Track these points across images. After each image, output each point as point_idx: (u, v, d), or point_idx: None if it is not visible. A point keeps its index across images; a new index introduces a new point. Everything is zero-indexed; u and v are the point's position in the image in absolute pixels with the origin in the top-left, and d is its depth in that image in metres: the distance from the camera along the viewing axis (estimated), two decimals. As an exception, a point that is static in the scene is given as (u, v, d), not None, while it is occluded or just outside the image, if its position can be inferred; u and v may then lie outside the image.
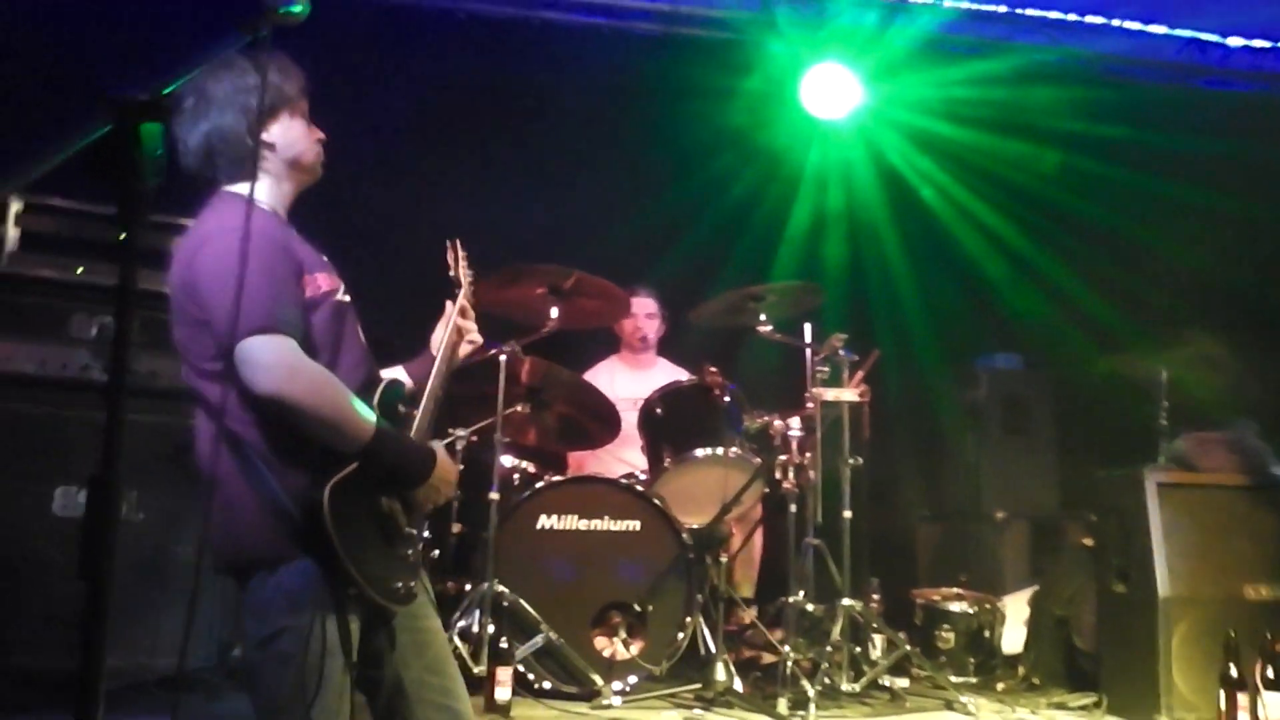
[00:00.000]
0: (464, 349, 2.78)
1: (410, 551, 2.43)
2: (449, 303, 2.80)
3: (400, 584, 2.37)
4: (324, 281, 2.43)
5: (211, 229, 2.36)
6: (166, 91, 1.34)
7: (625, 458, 5.11)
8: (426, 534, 4.73)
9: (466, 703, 2.55)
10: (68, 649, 3.36)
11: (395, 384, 2.50)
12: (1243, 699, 3.81)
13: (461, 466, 4.50)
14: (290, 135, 2.48)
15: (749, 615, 4.74)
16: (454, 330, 2.75)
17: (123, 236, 1.36)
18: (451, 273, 2.93)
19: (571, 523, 4.19)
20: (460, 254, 2.96)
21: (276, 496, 2.28)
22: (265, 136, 2.44)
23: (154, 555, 3.71)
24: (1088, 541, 4.77)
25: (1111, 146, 6.32)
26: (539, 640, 3.95)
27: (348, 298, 2.49)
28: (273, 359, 2.22)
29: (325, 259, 2.51)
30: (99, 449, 1.44)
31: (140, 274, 1.46)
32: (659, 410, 4.61)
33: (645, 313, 5.47)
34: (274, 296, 2.27)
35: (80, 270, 3.82)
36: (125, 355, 1.39)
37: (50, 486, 3.71)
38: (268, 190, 2.48)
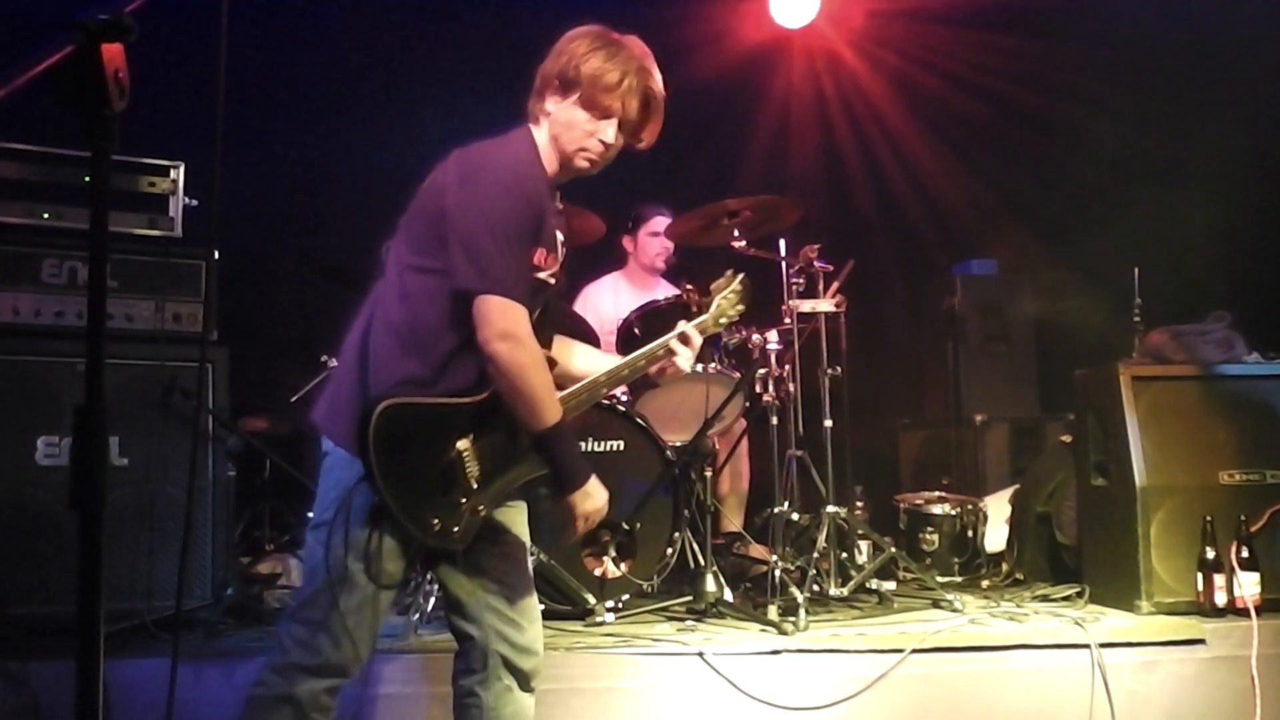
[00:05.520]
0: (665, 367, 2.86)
1: (465, 501, 2.48)
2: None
3: (437, 521, 2.45)
4: (540, 258, 2.55)
5: (502, 157, 2.53)
6: (128, 10, 1.32)
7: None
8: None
9: (532, 633, 2.73)
10: (64, 596, 3.39)
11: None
12: (1219, 580, 3.92)
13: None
14: (563, 118, 2.59)
15: (733, 522, 4.80)
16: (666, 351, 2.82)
17: (93, 162, 1.35)
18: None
19: (556, 445, 4.21)
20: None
21: (364, 391, 2.47)
22: (546, 104, 2.61)
23: (143, 498, 3.72)
24: (1066, 438, 4.84)
25: (1084, 42, 6.31)
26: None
27: (553, 280, 2.63)
28: (508, 326, 2.41)
29: (561, 237, 2.66)
30: (80, 393, 1.44)
31: (110, 214, 1.46)
32: (637, 330, 4.62)
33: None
34: (518, 263, 2.46)
35: (47, 215, 3.78)
36: (104, 270, 1.39)
37: (32, 437, 3.69)
38: (546, 148, 2.62)
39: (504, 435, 2.54)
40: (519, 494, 2.74)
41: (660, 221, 5.36)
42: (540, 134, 2.63)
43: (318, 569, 2.49)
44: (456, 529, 2.49)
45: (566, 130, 2.58)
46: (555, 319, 2.78)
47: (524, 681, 2.70)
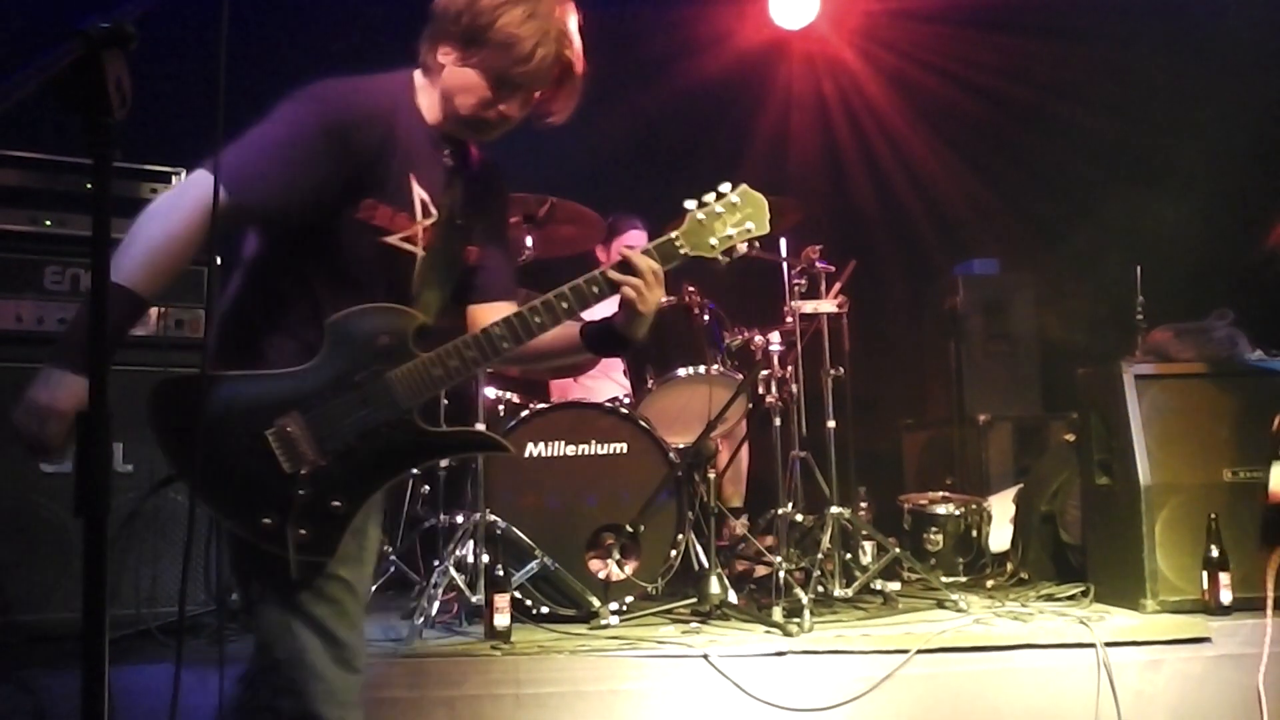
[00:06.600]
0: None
1: (302, 492, 2.10)
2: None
3: (269, 521, 2.10)
4: (384, 216, 2.21)
5: (329, 86, 2.20)
6: (129, 19, 1.33)
7: (608, 383, 5.14)
8: (415, 471, 4.77)
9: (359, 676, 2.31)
10: (68, 602, 3.38)
11: (402, 316, 2.22)
12: (1224, 578, 3.91)
13: (445, 401, 4.52)
14: (458, 80, 2.25)
15: (739, 526, 4.81)
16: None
17: (95, 169, 1.36)
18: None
19: (559, 449, 4.21)
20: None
21: None
22: (439, 56, 2.26)
23: (147, 504, 3.71)
24: (1070, 437, 4.84)
25: (1086, 39, 6.31)
26: (534, 566, 3.99)
27: (410, 246, 2.25)
28: (181, 181, 2.10)
29: (427, 197, 2.26)
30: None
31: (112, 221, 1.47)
32: (638, 334, 4.62)
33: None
34: (266, 166, 2.09)
35: (49, 222, 3.79)
36: (107, 277, 1.41)
37: (37, 444, 3.69)
38: (433, 97, 2.30)
39: (347, 406, 2.14)
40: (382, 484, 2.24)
41: (635, 235, 5.34)
42: (426, 82, 2.30)
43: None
44: (303, 531, 2.10)
45: (461, 94, 2.25)
46: (468, 286, 2.43)
47: None
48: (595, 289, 2.27)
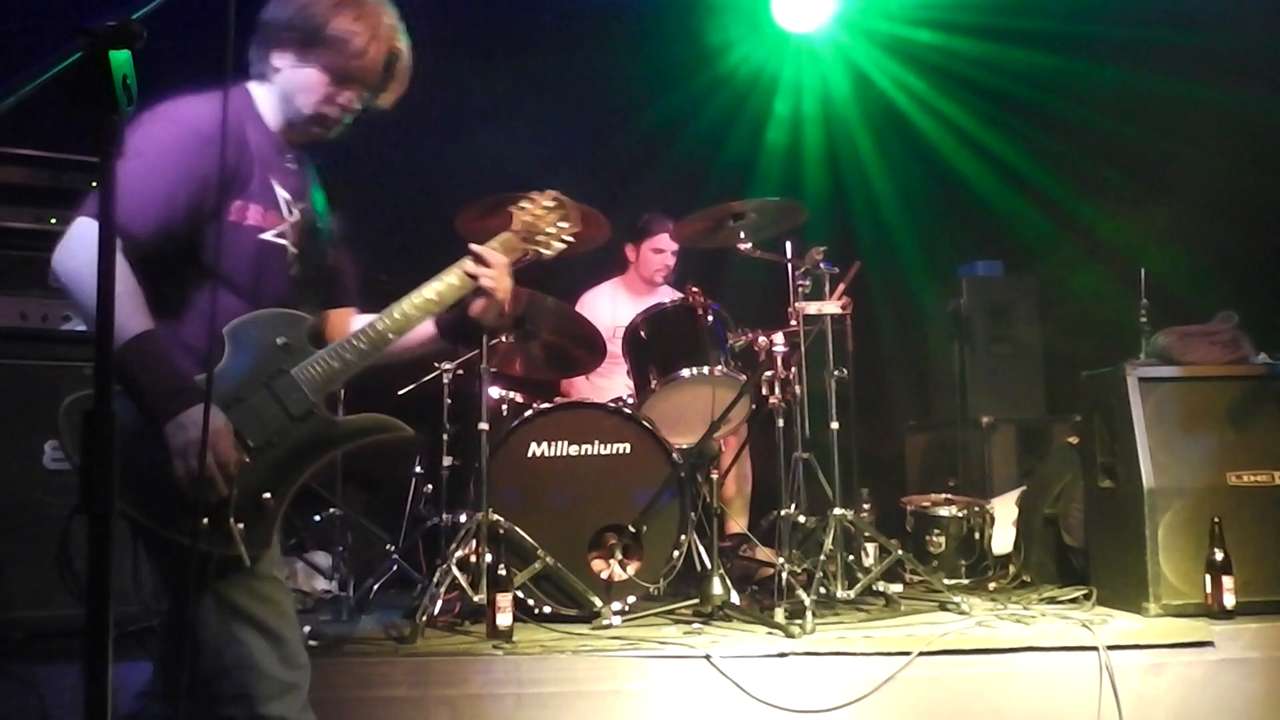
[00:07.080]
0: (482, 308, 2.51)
1: (235, 489, 2.14)
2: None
3: (205, 520, 2.11)
4: (256, 215, 2.32)
5: (179, 107, 2.26)
6: (135, 17, 1.33)
7: (614, 382, 5.14)
8: (419, 469, 4.77)
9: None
10: (71, 599, 3.38)
11: (295, 319, 2.34)
12: (1228, 582, 3.90)
13: (449, 400, 4.53)
14: (297, 80, 2.37)
15: (739, 525, 4.81)
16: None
17: (100, 167, 1.36)
18: None
19: (562, 449, 4.22)
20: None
21: None
22: (274, 61, 2.38)
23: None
24: (1073, 440, 4.84)
25: (1087, 44, 6.31)
26: (536, 566, 3.99)
27: (283, 241, 2.38)
28: (73, 233, 2.11)
29: (289, 197, 2.40)
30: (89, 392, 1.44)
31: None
32: (643, 333, 4.62)
33: (672, 249, 5.42)
34: (142, 201, 2.12)
35: (54, 220, 3.79)
36: (112, 274, 1.41)
37: (39, 440, 3.69)
38: (272, 103, 2.41)
39: (261, 404, 2.23)
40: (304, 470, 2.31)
41: (665, 240, 5.35)
42: (264, 90, 2.41)
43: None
44: (242, 526, 2.14)
45: (302, 93, 2.37)
46: (330, 287, 2.55)
47: None
48: (456, 281, 2.47)
